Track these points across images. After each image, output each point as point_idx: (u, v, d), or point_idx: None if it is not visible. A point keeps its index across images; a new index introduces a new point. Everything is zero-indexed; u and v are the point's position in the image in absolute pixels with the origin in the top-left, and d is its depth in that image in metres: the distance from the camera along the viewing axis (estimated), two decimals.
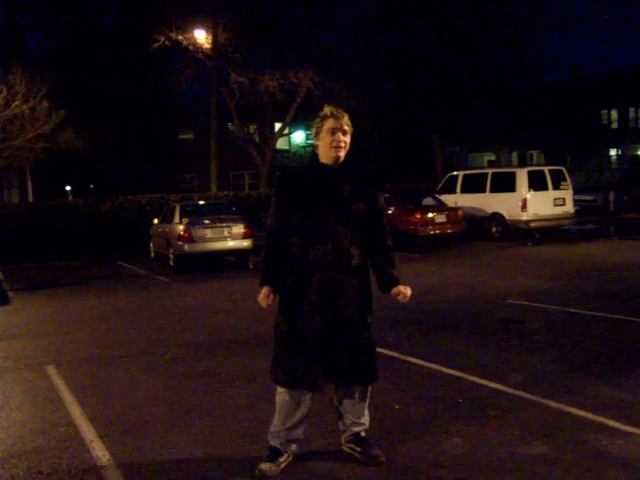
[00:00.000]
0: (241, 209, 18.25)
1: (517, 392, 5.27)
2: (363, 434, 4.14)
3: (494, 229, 18.47)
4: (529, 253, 15.38)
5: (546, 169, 18.45)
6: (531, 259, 14.12)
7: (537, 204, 17.68)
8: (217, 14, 23.45)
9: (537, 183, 17.79)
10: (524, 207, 17.61)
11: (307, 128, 34.52)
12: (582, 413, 4.74)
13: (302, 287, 3.88)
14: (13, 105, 19.36)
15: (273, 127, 29.54)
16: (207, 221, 14.98)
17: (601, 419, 4.61)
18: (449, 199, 18.85)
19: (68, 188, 35.72)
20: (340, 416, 4.15)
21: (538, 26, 28.01)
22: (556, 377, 5.66)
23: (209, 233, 14.75)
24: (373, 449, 4.09)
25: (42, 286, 13.15)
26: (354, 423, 4.10)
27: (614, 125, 44.73)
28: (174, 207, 16.18)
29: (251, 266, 14.56)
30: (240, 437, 4.59)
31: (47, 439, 4.72)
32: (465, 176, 19.80)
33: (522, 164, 41.72)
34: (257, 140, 29.67)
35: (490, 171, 19.47)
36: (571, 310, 8.45)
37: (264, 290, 3.97)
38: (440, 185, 20.86)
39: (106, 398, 5.64)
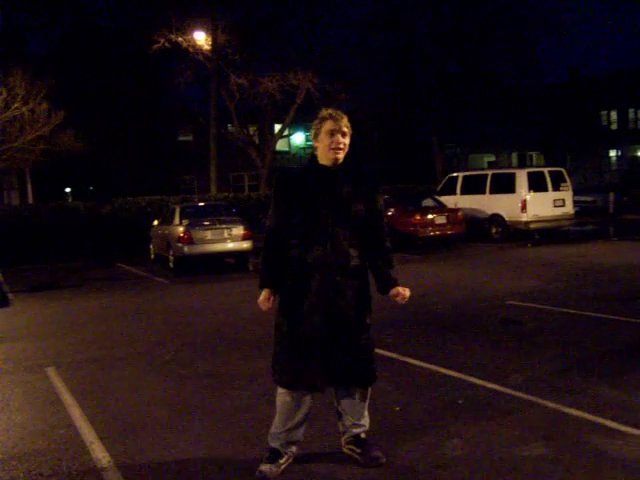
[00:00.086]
0: (241, 211, 18.26)
1: (516, 393, 5.27)
2: (363, 435, 4.15)
3: (494, 230, 18.47)
4: (529, 254, 15.38)
5: (546, 170, 18.45)
6: (531, 260, 14.12)
7: (537, 205, 17.69)
8: (217, 16, 23.48)
9: (537, 184, 17.79)
10: (524, 208, 17.61)
11: (307, 130, 34.52)
12: (581, 414, 4.75)
13: (302, 288, 3.88)
14: (13, 107, 19.38)
15: (273, 128, 29.55)
16: (207, 223, 14.97)
17: (600, 420, 4.62)
18: (449, 200, 18.85)
19: (68, 190, 35.73)
20: (340, 418, 4.15)
21: (538, 27, 28.04)
22: (555, 378, 5.67)
23: (209, 235, 14.75)
24: (373, 450, 4.09)
25: (42, 288, 13.15)
26: (354, 425, 4.11)
27: (614, 126, 44.77)
28: (174, 209, 16.18)
29: (251, 268, 14.56)
30: (240, 438, 4.60)
31: (47, 441, 4.72)
32: (465, 177, 19.80)
33: (522, 165, 41.76)
34: (257, 142, 29.68)
35: (490, 172, 19.46)
36: (570, 311, 8.45)
37: (264, 293, 3.97)
38: (440, 186, 20.86)
39: (106, 400, 5.64)
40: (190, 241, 14.53)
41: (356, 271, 3.94)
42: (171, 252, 15.21)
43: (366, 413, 4.15)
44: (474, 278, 11.83)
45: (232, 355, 7.01)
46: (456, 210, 17.70)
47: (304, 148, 39.08)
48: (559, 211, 18.16)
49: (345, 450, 4.17)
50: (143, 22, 25.24)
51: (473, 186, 19.15)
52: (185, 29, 23.53)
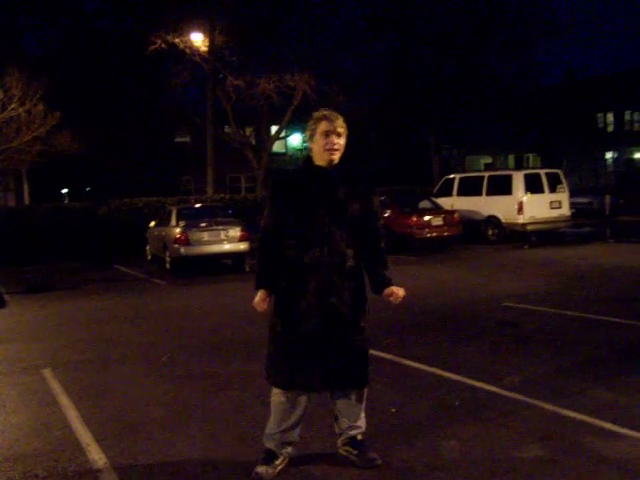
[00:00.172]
0: (237, 212, 18.25)
1: (513, 395, 5.27)
2: (359, 437, 4.13)
3: (490, 232, 18.49)
4: (525, 256, 15.40)
5: (542, 172, 18.49)
6: (527, 262, 14.14)
7: (533, 207, 17.71)
8: (214, 17, 23.45)
9: (533, 186, 17.82)
10: (520, 210, 17.64)
11: (303, 131, 33.72)
12: (578, 416, 4.75)
13: (298, 289, 3.88)
14: (9, 108, 19.35)
15: (269, 130, 29.53)
16: (203, 224, 14.98)
17: (597, 422, 4.62)
18: (445, 202, 18.87)
19: (65, 191, 35.69)
20: (336, 419, 4.14)
21: (535, 29, 28.06)
22: (552, 380, 5.67)
23: (205, 236, 14.75)
24: (369, 452, 4.09)
25: (38, 289, 13.11)
26: (350, 427, 4.10)
27: (610, 128, 44.82)
28: (171, 210, 16.18)
29: (247, 269, 14.55)
30: (237, 440, 4.59)
31: (43, 442, 4.71)
32: (461, 179, 19.83)
33: (518, 167, 41.79)
34: (254, 143, 29.67)
35: (486, 174, 19.49)
36: (567, 313, 8.46)
37: (259, 294, 3.96)
38: (436, 188, 20.88)
39: (102, 401, 5.63)
40: (187, 242, 14.53)
41: (352, 272, 3.93)
42: (168, 253, 15.21)
43: (362, 415, 4.14)
44: (471, 280, 11.84)
45: (228, 356, 7.00)
46: (453, 212, 17.72)
47: (301, 150, 39.03)
48: (555, 213, 18.19)
49: (341, 452, 4.16)
50: (140, 23, 25.21)
51: (470, 188, 19.18)
52: (182, 30, 23.52)
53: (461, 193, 19.34)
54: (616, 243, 17.05)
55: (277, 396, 3.98)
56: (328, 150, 3.86)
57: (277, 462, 3.98)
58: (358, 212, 3.93)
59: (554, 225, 18.44)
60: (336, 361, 3.89)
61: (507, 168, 38.11)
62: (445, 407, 5.09)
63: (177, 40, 23.42)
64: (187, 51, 23.76)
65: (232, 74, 23.92)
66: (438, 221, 17.17)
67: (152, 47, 23.08)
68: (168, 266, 15.19)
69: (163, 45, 23.16)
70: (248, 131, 30.11)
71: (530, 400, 5.12)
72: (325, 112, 3.93)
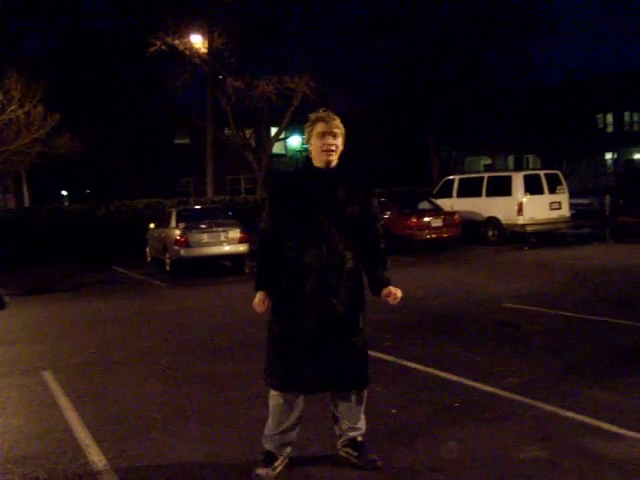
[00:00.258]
0: (237, 214, 18.24)
1: (513, 396, 5.27)
2: (360, 439, 4.13)
3: (490, 233, 18.49)
4: (525, 257, 15.40)
5: (542, 173, 18.51)
6: (527, 263, 14.14)
7: (533, 208, 17.72)
8: (213, 19, 23.46)
9: (533, 187, 17.83)
10: (520, 211, 17.65)
11: (303, 133, 34.27)
12: (578, 417, 4.75)
13: (297, 290, 3.88)
14: (9, 110, 19.35)
15: (269, 131, 29.52)
16: (203, 226, 14.98)
17: (597, 422, 4.62)
18: (445, 203, 18.87)
19: (64, 193, 35.66)
20: (336, 420, 4.14)
21: (534, 30, 28.08)
22: (552, 381, 5.67)
23: (205, 238, 14.75)
24: (369, 453, 4.09)
25: (38, 291, 13.12)
26: (350, 428, 4.10)
27: (609, 129, 44.84)
28: (170, 212, 16.18)
29: (247, 271, 14.55)
30: (238, 441, 4.59)
31: (43, 444, 4.71)
32: (461, 180, 19.83)
33: (518, 168, 41.79)
34: (253, 144, 29.65)
35: (486, 175, 19.50)
36: (567, 314, 8.46)
37: (259, 295, 3.97)
38: (436, 189, 20.88)
39: (102, 403, 5.63)
40: (186, 244, 14.53)
41: (351, 273, 3.93)
42: (167, 255, 15.21)
43: (362, 416, 4.13)
44: (471, 281, 11.84)
45: (228, 357, 7.00)
46: (452, 213, 17.72)
47: (301, 151, 39.02)
48: (555, 214, 18.19)
49: (341, 453, 4.16)
50: (139, 25, 25.22)
51: (469, 189, 19.18)
52: (182, 32, 23.52)
53: (461, 194, 19.35)
54: (616, 244, 17.06)
55: (275, 398, 3.98)
56: (325, 151, 3.87)
57: (277, 463, 3.98)
58: (357, 213, 3.93)
59: (554, 226, 18.45)
60: (335, 362, 3.89)
61: (507, 169, 38.14)
62: (445, 408, 5.09)
63: (177, 42, 23.41)
64: (187, 53, 23.75)
65: (232, 75, 23.91)
66: (438, 222, 17.17)
67: (152, 49, 23.08)
68: (168, 268, 15.19)
69: (163, 47, 23.15)
70: (248, 133, 30.06)
71: (530, 401, 5.12)
72: (321, 113, 3.94)
